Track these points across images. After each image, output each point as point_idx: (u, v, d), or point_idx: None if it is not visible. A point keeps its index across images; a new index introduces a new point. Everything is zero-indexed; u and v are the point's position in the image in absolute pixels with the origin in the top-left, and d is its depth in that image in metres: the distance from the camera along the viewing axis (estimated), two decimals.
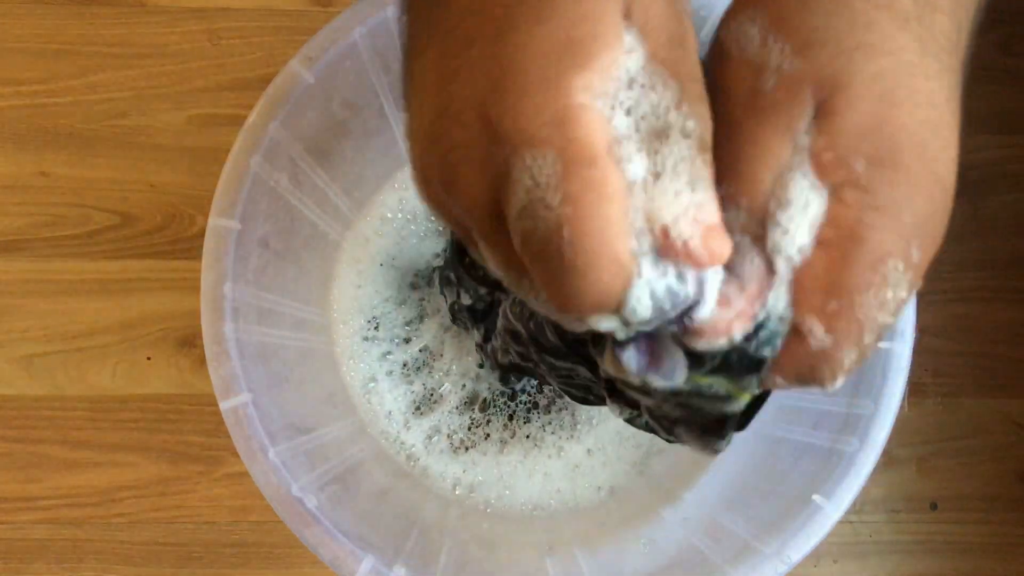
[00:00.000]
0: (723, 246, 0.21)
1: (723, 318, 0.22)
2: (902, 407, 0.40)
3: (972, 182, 0.60)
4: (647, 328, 0.22)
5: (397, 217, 0.54)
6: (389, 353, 0.53)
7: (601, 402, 0.33)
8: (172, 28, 0.58)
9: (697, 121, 0.22)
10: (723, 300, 0.22)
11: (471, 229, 0.24)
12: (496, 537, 0.49)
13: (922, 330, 0.57)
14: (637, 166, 0.21)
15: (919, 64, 0.22)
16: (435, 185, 0.23)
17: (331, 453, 0.44)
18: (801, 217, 0.22)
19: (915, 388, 0.58)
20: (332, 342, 0.52)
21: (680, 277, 0.21)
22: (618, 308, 0.21)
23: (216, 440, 0.56)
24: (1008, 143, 0.61)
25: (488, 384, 0.53)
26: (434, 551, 0.42)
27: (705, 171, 0.21)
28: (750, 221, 0.22)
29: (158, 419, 0.56)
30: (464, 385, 0.52)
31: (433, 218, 0.54)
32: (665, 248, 0.21)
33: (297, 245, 0.47)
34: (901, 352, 0.39)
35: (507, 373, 0.47)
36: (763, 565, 0.38)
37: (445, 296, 0.48)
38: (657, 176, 0.21)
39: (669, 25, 0.22)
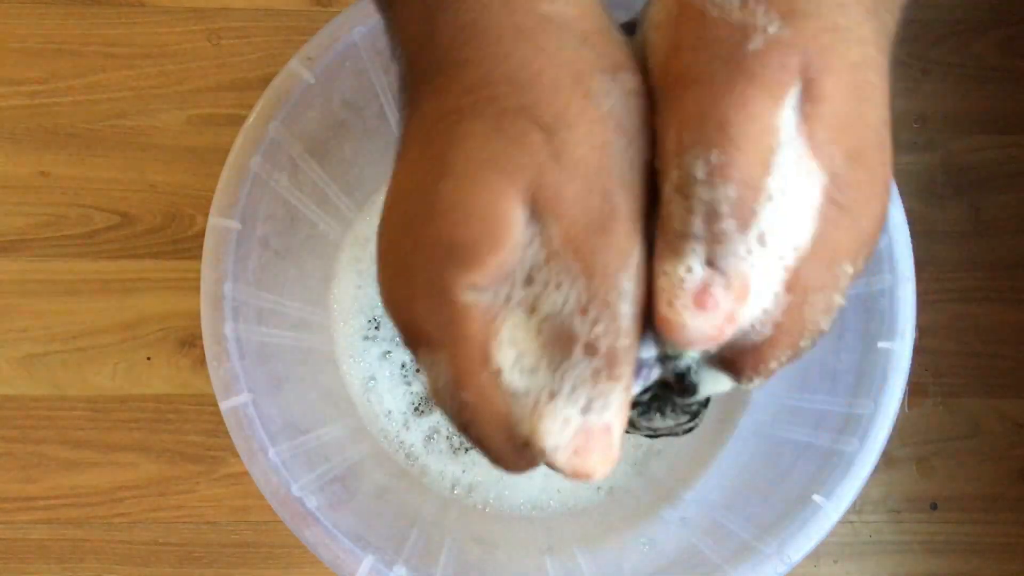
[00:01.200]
0: (598, 466, 0.20)
1: (712, 323, 0.20)
2: (902, 407, 0.40)
3: (972, 182, 0.60)
4: None
5: None
6: (389, 352, 0.53)
7: None
8: (172, 28, 0.58)
9: (609, 324, 0.20)
10: (711, 302, 0.20)
11: None
12: (496, 537, 0.49)
13: (922, 330, 0.57)
14: (530, 379, 0.20)
15: (877, 60, 0.21)
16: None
17: (331, 453, 0.44)
18: (800, 200, 0.20)
19: (915, 388, 0.58)
20: (332, 342, 0.52)
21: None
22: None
23: (216, 440, 0.56)
24: (1008, 143, 0.61)
25: None
26: (434, 551, 0.42)
27: (610, 387, 0.20)
28: (740, 201, 0.20)
29: (158, 419, 0.56)
30: None
31: None
32: (550, 465, 0.21)
33: (297, 245, 0.47)
34: (901, 352, 0.39)
35: None
36: (763, 565, 0.38)
37: None
38: (552, 395, 0.20)
39: (588, 207, 0.20)
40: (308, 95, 0.40)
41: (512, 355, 0.21)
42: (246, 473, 0.41)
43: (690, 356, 0.22)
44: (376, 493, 0.47)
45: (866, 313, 0.41)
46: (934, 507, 0.58)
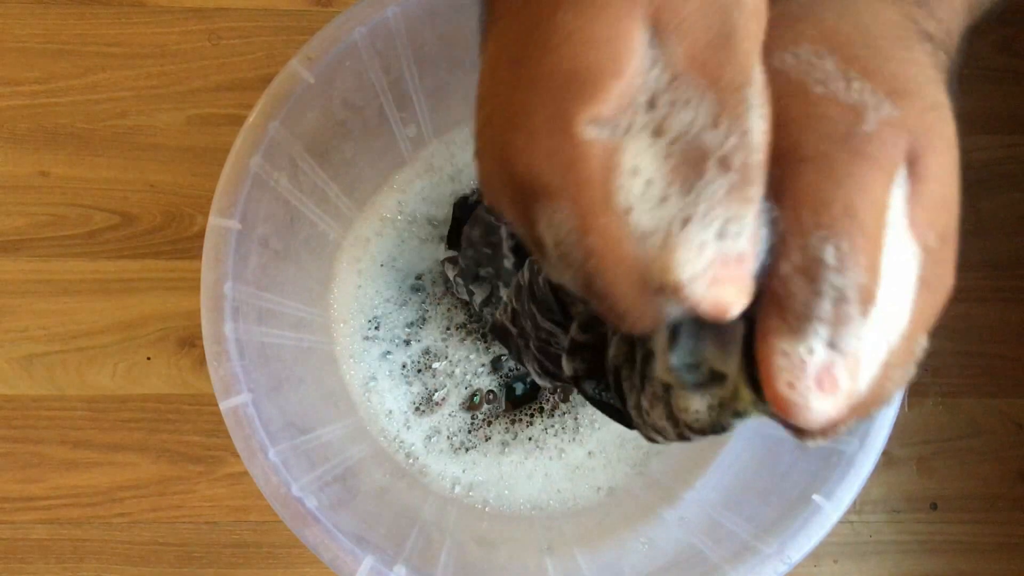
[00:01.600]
0: (736, 298, 0.19)
1: (835, 404, 0.20)
2: (902, 407, 0.39)
3: (972, 182, 0.60)
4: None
5: (397, 218, 0.54)
6: (389, 353, 0.53)
7: (565, 381, 0.34)
8: (172, 28, 0.58)
9: (741, 138, 0.19)
10: (833, 384, 0.20)
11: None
12: (496, 537, 0.49)
13: None
14: (660, 212, 0.19)
15: (956, 133, 0.21)
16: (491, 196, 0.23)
17: (331, 453, 0.44)
18: (902, 280, 0.20)
19: (915, 388, 0.58)
20: (332, 341, 0.52)
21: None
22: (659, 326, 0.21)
23: (216, 440, 0.56)
24: (1008, 143, 0.61)
25: (490, 389, 0.53)
26: (434, 551, 0.42)
27: (744, 209, 0.19)
28: (866, 286, 0.20)
29: (158, 419, 0.56)
30: (465, 390, 0.52)
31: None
32: (679, 300, 0.20)
33: (297, 245, 0.47)
34: None
35: (494, 332, 0.48)
36: (763, 565, 0.38)
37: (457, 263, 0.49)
38: (685, 222, 0.19)
39: (709, 24, 0.19)
40: (308, 95, 0.40)
41: (640, 185, 0.20)
42: (246, 473, 0.41)
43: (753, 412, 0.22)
44: (376, 493, 0.47)
45: None
46: (934, 507, 0.58)
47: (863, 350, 0.20)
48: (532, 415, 0.52)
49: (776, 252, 0.20)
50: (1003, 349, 0.59)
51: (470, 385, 0.52)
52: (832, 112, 0.20)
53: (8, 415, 0.56)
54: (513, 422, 0.52)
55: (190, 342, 0.56)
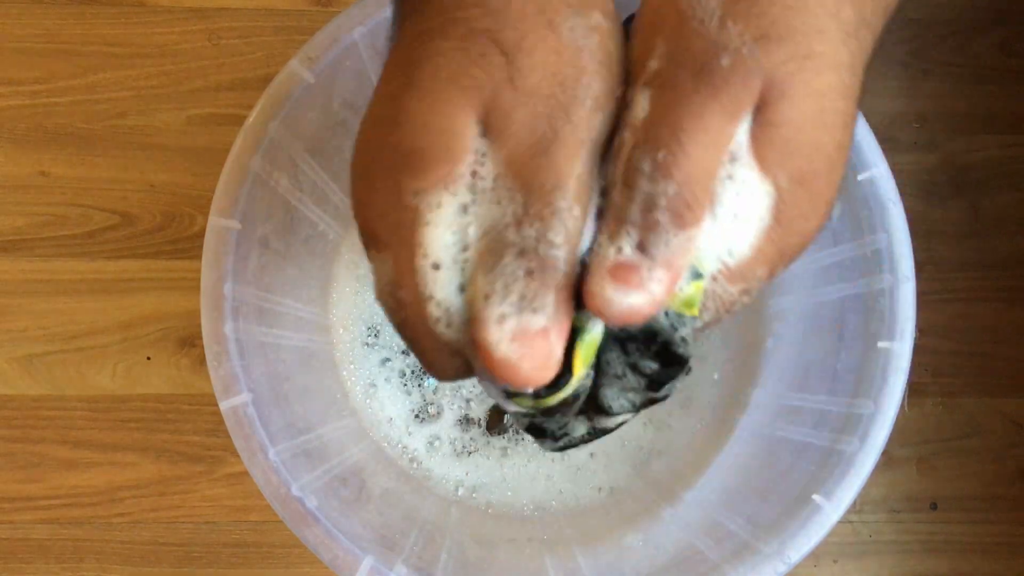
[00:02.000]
0: (533, 372, 0.21)
1: (633, 300, 0.21)
2: (902, 407, 0.39)
3: (972, 182, 0.60)
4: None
5: None
6: (388, 360, 0.52)
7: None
8: (172, 28, 0.58)
9: (541, 238, 0.21)
10: (635, 280, 0.21)
11: None
12: (496, 537, 0.49)
13: (922, 330, 0.57)
14: (467, 285, 0.22)
15: (849, 84, 0.22)
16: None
17: (331, 453, 0.44)
18: (745, 209, 0.22)
19: (915, 388, 0.58)
20: (332, 344, 0.52)
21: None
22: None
23: (216, 440, 0.56)
24: (1008, 143, 0.61)
25: (484, 410, 0.53)
26: (434, 551, 0.42)
27: (543, 291, 0.21)
28: (676, 198, 0.21)
29: (158, 419, 0.56)
30: (461, 406, 0.52)
31: None
32: (488, 364, 0.21)
33: (297, 245, 0.47)
34: (901, 352, 0.39)
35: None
36: (763, 565, 0.38)
37: None
38: (487, 296, 0.21)
39: (532, 131, 0.21)
40: (308, 95, 0.40)
41: (451, 258, 0.22)
42: (246, 473, 0.41)
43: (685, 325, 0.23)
44: (377, 493, 0.47)
45: (866, 313, 0.41)
46: (934, 507, 0.58)
47: (672, 257, 0.21)
48: None
49: (612, 162, 0.22)
50: (1003, 349, 0.59)
51: (466, 402, 0.52)
52: (696, 46, 0.21)
53: (8, 415, 0.56)
54: (517, 429, 0.52)
55: (190, 342, 0.56)
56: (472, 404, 0.52)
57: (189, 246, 0.57)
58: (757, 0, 0.21)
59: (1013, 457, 0.58)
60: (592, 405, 0.24)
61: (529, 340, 0.20)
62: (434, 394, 0.52)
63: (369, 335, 0.52)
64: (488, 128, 0.21)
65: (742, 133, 0.22)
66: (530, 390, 0.22)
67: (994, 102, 0.61)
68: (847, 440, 0.40)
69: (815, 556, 0.55)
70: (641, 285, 0.21)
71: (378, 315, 0.53)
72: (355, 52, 0.41)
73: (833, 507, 0.38)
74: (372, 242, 0.23)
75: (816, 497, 0.39)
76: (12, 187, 0.57)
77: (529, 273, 0.21)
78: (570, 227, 0.21)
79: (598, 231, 0.22)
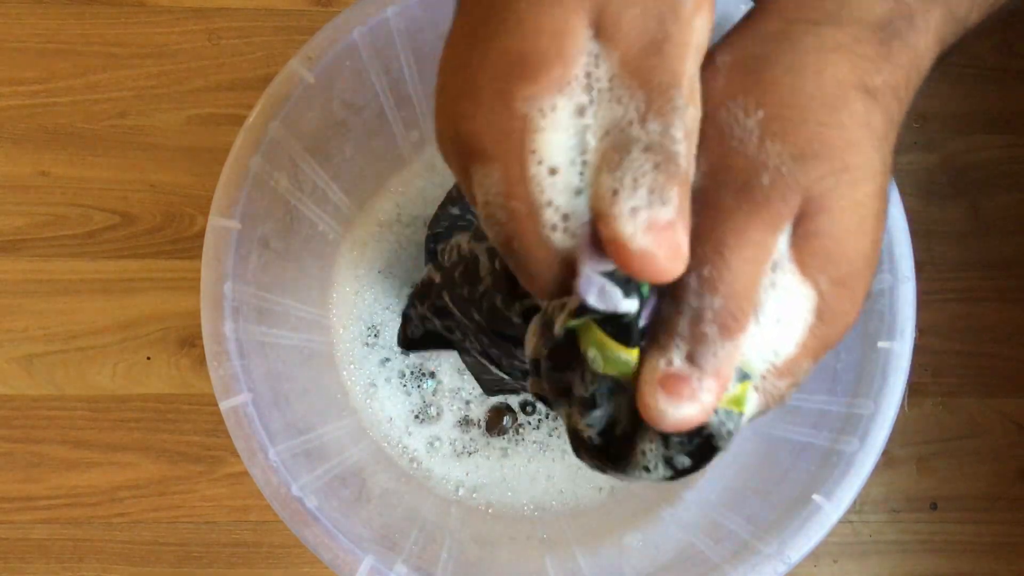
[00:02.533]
0: (667, 262, 0.21)
1: (685, 412, 0.22)
2: (902, 407, 0.39)
3: (972, 182, 0.60)
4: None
5: (395, 223, 0.53)
6: (388, 360, 0.52)
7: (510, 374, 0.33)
8: (172, 28, 0.58)
9: (664, 132, 0.21)
10: (687, 391, 0.22)
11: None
12: (496, 537, 0.49)
13: (922, 330, 0.57)
14: (586, 187, 0.22)
15: (883, 183, 0.23)
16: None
17: (331, 453, 0.44)
18: (789, 312, 0.23)
19: (915, 388, 0.58)
20: (332, 344, 0.52)
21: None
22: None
23: (216, 440, 0.56)
24: (1008, 143, 0.61)
25: (484, 411, 0.53)
26: (434, 551, 0.42)
27: (670, 182, 0.21)
28: (723, 311, 0.22)
29: (158, 419, 0.56)
30: (460, 408, 0.52)
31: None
32: (623, 259, 0.21)
33: (297, 245, 0.47)
34: (901, 352, 0.39)
35: (419, 343, 0.47)
36: (763, 565, 0.38)
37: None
38: (615, 192, 0.21)
39: (644, 31, 0.22)
40: (308, 95, 0.40)
41: (568, 161, 0.22)
42: (246, 473, 0.41)
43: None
44: (377, 493, 0.47)
45: (866, 313, 0.41)
46: (934, 507, 0.58)
47: (721, 367, 0.22)
48: (540, 421, 0.52)
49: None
50: (1003, 349, 0.59)
51: (465, 404, 0.52)
52: (737, 163, 0.23)
53: (8, 415, 0.56)
54: (517, 430, 0.52)
55: (190, 342, 0.56)
56: (472, 406, 0.52)
57: (189, 246, 0.57)
58: (792, 118, 0.22)
59: (1013, 457, 0.58)
60: (610, 467, 0.25)
61: (661, 231, 0.21)
62: (433, 395, 0.52)
63: (369, 335, 0.52)
64: (600, 30, 0.22)
65: (783, 242, 0.23)
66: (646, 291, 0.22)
67: (994, 102, 0.61)
68: (847, 440, 0.40)
69: (815, 556, 0.55)
70: (693, 396, 0.22)
71: (378, 315, 0.53)
72: (355, 52, 0.41)
73: (833, 507, 0.38)
74: (475, 156, 0.22)
75: (816, 497, 0.39)
76: (12, 187, 0.57)
77: (656, 166, 0.21)
78: (688, 124, 0.22)
79: (648, 342, 0.23)
